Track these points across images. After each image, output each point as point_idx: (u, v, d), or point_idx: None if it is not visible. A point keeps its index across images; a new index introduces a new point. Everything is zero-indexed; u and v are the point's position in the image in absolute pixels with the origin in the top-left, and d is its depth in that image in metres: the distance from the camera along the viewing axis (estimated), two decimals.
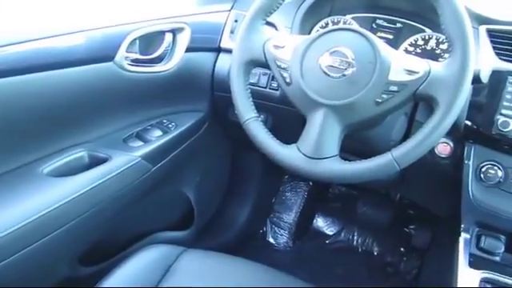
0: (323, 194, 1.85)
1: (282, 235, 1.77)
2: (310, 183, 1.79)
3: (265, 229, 1.79)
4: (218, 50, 1.23)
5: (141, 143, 1.11)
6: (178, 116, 1.23)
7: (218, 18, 1.23)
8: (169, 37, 1.14)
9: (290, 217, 1.79)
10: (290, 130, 0.93)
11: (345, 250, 1.74)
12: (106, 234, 1.10)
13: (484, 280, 0.93)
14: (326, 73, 0.85)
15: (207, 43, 1.22)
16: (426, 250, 1.58)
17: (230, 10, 1.24)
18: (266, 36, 0.93)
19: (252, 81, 1.15)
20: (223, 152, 1.52)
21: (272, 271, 0.95)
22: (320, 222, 1.82)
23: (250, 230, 1.71)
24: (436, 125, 0.78)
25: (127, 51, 1.04)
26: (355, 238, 1.75)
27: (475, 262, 0.96)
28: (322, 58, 0.86)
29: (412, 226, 1.70)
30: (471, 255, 0.97)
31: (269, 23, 1.06)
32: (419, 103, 1.02)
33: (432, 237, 1.57)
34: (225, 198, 1.61)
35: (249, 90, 0.94)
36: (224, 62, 1.21)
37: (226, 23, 1.23)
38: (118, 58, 1.02)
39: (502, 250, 0.97)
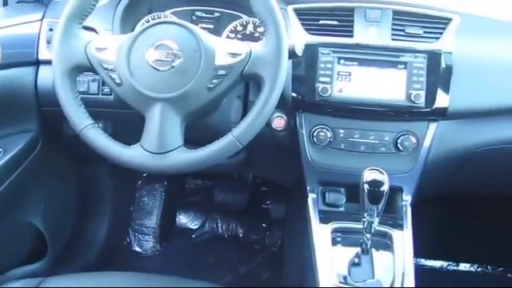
0: (180, 191, 1.86)
1: (147, 241, 1.74)
2: (165, 183, 1.78)
3: (128, 239, 1.74)
4: (37, 63, 1.14)
5: None
6: (5, 140, 1.12)
7: (30, 28, 1.14)
8: None
9: (151, 221, 1.76)
10: (133, 132, 0.91)
11: (212, 240, 1.79)
12: None
13: (334, 230, 1.04)
14: (154, 67, 0.85)
15: (23, 57, 1.13)
16: (284, 220, 1.70)
17: (41, 20, 1.16)
18: (85, 40, 0.90)
19: (82, 89, 1.09)
20: (66, 170, 1.43)
21: (141, 275, 0.94)
22: (183, 219, 1.83)
23: (112, 245, 1.64)
24: (265, 99, 0.84)
25: None
26: (219, 225, 1.80)
27: (325, 217, 1.06)
28: (147, 54, 0.86)
29: (268, 202, 1.81)
30: (320, 212, 1.08)
31: (87, 28, 1.03)
32: (250, 85, 1.09)
33: (287, 206, 1.69)
34: (79, 218, 1.52)
35: (79, 98, 0.90)
36: (46, 75, 1.12)
37: (40, 33, 1.14)
38: None
39: (344, 200, 1.09)
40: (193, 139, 0.90)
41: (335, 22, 1.07)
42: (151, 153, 0.85)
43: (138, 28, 0.91)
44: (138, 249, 1.73)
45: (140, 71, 0.86)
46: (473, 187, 1.31)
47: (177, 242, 1.77)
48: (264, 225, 1.78)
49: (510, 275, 1.68)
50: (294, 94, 1.05)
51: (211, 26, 1.18)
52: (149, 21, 1.19)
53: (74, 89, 0.90)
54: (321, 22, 1.07)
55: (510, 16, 1.16)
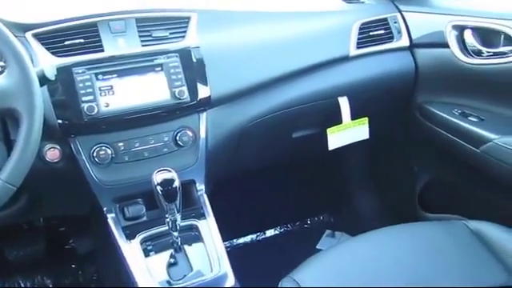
0: None
1: None
2: None
3: None
4: None
5: None
6: None
7: None
8: None
9: None
10: None
11: None
12: None
13: (143, 241, 1.04)
14: None
15: None
16: (95, 251, 1.61)
17: None
18: None
19: None
20: None
21: None
22: None
23: None
24: (27, 133, 0.79)
25: None
26: (22, 285, 1.60)
27: (130, 232, 1.05)
28: None
29: (71, 241, 1.68)
30: (124, 228, 1.06)
31: None
32: (8, 124, 0.99)
33: (92, 236, 1.61)
34: None
35: None
36: None
37: None
38: None
39: (144, 210, 1.10)
40: None
41: (82, 40, 1.05)
42: None
43: None
44: None
45: None
46: (255, 160, 1.45)
47: None
48: (73, 266, 1.66)
49: (306, 226, 1.93)
50: (60, 121, 1.01)
51: None
52: None
53: None
54: (66, 42, 1.04)
55: (245, 6, 1.32)
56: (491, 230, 1.02)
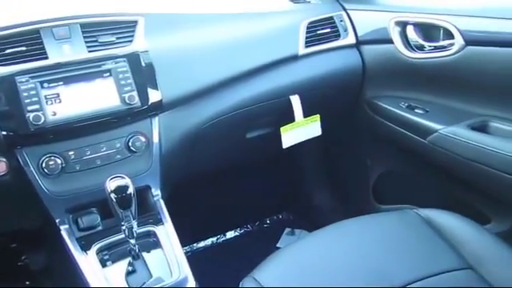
0: None
1: None
2: None
3: None
4: None
5: None
6: None
7: None
8: None
9: None
10: None
11: None
12: None
13: (99, 251, 1.02)
14: None
15: None
16: (50, 266, 1.55)
17: None
18: None
19: None
20: None
21: None
22: None
23: None
24: None
25: None
26: None
27: (85, 243, 1.03)
28: None
29: (23, 257, 1.62)
30: (78, 240, 1.03)
31: None
32: None
33: (46, 251, 1.55)
34: None
35: None
36: None
37: None
38: None
39: (99, 219, 1.07)
40: None
41: (24, 48, 1.01)
42: None
43: None
44: None
45: None
46: (211, 163, 1.45)
47: None
48: (28, 282, 1.59)
49: (265, 225, 1.94)
50: (5, 132, 0.97)
51: None
52: None
53: None
54: (8, 50, 1.00)
55: (193, 8, 1.32)
56: (441, 217, 1.06)
